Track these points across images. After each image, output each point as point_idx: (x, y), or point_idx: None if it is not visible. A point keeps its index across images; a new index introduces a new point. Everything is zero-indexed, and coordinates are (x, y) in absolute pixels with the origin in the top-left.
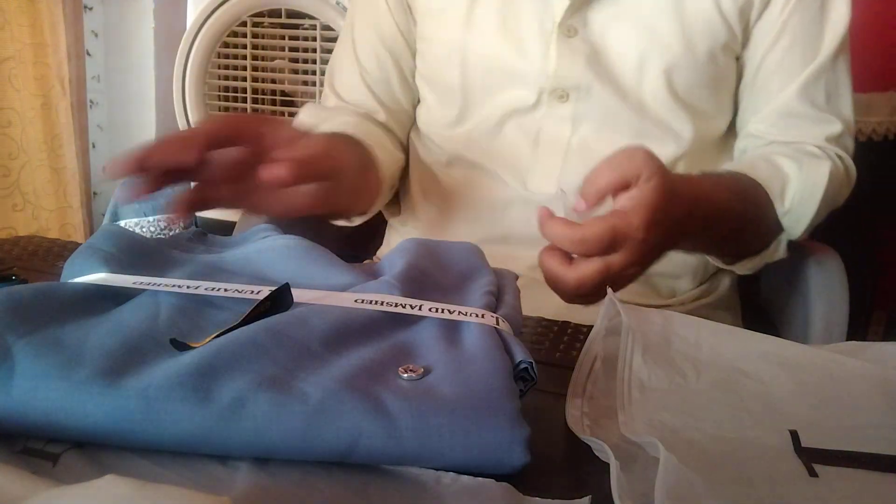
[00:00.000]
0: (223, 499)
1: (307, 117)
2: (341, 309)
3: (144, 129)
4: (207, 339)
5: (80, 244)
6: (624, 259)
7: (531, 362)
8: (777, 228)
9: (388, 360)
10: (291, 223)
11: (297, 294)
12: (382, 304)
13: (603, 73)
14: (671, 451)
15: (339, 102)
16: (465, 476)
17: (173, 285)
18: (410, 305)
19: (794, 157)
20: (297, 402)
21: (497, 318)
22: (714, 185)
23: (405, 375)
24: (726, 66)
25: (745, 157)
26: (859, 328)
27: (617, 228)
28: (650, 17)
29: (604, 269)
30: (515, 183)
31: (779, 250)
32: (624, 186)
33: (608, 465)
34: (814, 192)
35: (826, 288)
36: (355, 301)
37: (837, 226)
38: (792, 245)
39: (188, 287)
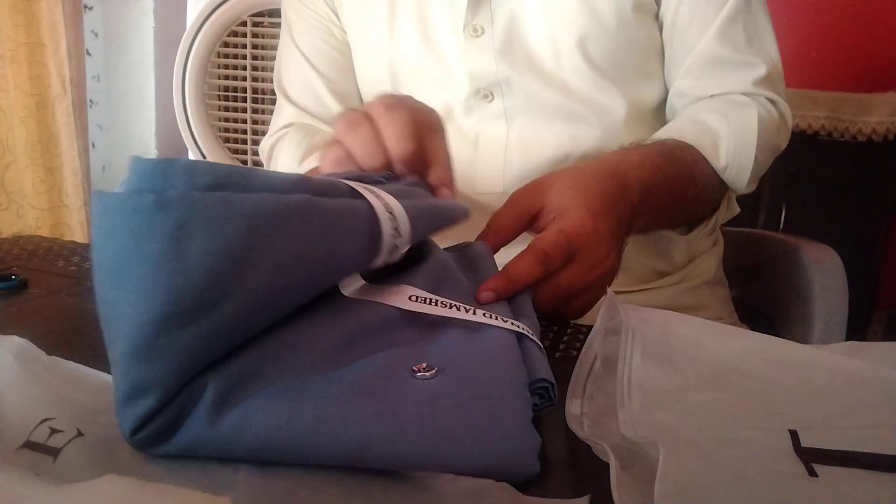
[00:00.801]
0: (223, 499)
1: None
2: (362, 302)
3: (144, 129)
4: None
5: (80, 243)
6: (591, 256)
7: (552, 383)
8: (721, 186)
9: (404, 359)
10: None
11: (361, 292)
12: (436, 303)
13: (519, 64)
14: (671, 451)
15: (300, 113)
16: (465, 476)
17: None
18: (465, 308)
19: (718, 111)
20: (307, 405)
21: (531, 335)
22: (643, 154)
23: (419, 374)
24: (645, 28)
25: (672, 122)
26: (859, 328)
27: (564, 229)
28: None
29: (580, 271)
30: (463, 187)
31: (731, 208)
32: (534, 212)
33: (608, 464)
34: (746, 142)
35: (826, 288)
36: (410, 298)
37: (837, 226)
38: (791, 245)
39: None
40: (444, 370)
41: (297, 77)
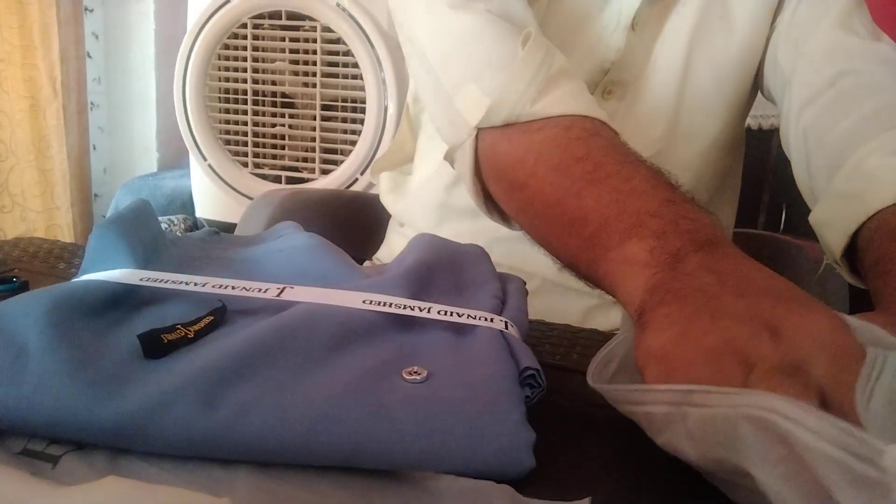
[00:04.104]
0: (223, 500)
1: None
2: (347, 308)
3: (145, 132)
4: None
5: (81, 245)
6: None
7: (538, 369)
8: None
9: (392, 362)
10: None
11: (307, 293)
12: (391, 305)
13: (651, 67)
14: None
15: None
16: (465, 478)
17: (180, 282)
18: (419, 308)
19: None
20: (300, 407)
21: (506, 323)
22: None
23: (409, 378)
24: (759, 51)
25: (868, 184)
26: None
27: None
28: (699, 5)
29: None
30: None
31: None
32: None
33: (608, 466)
34: None
35: (826, 289)
36: (363, 301)
37: None
38: (792, 245)
39: (195, 284)
40: (434, 374)
41: None
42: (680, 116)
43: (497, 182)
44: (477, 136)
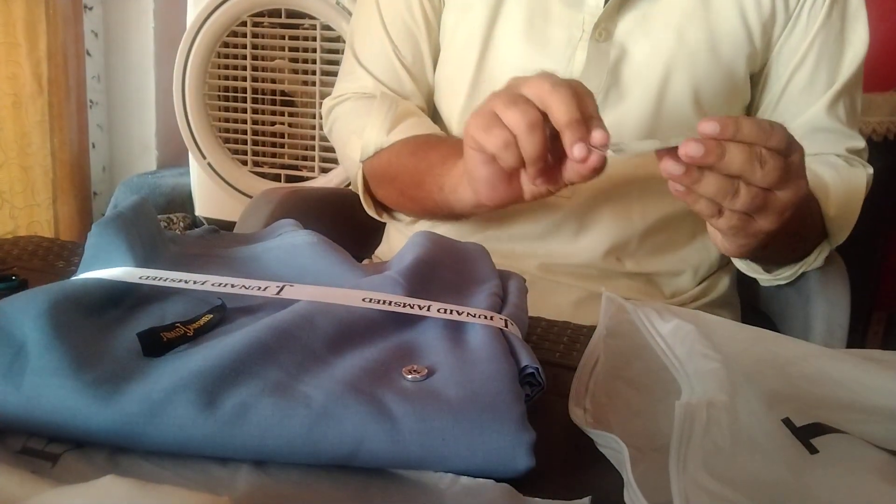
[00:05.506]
0: (223, 499)
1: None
2: (347, 307)
3: (144, 129)
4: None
5: (80, 243)
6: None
7: (537, 368)
8: (821, 236)
9: (392, 360)
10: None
11: (306, 291)
12: (391, 303)
13: (627, 78)
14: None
15: (376, 83)
16: (465, 477)
17: (180, 280)
18: (419, 306)
19: (829, 165)
20: (300, 406)
21: (506, 321)
22: None
23: (409, 377)
24: (743, 81)
25: None
26: (859, 330)
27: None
28: (679, 22)
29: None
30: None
31: (818, 259)
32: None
33: (608, 465)
34: (855, 198)
35: (827, 288)
36: (363, 300)
37: None
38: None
39: (194, 282)
40: (434, 372)
41: (375, 45)
42: (658, 132)
43: (379, 186)
44: (363, 168)
